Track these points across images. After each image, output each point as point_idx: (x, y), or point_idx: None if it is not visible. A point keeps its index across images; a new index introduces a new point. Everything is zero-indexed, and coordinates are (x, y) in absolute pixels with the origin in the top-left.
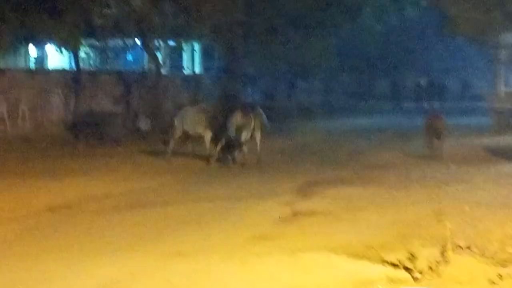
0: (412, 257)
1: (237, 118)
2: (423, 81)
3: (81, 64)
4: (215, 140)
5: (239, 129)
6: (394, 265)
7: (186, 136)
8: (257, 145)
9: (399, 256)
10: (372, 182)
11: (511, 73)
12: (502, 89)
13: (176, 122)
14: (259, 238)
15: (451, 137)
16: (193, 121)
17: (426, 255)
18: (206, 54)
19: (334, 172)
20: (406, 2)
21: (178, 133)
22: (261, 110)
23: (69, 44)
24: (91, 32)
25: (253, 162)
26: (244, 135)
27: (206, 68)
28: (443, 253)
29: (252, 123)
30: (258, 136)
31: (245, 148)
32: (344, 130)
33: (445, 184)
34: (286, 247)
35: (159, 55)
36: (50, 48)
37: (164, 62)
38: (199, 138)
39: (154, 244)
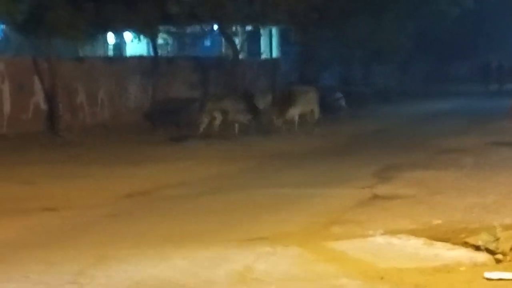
0: (494, 239)
1: None
2: (503, 63)
3: (158, 51)
4: None
5: None
6: (475, 247)
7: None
8: None
9: (480, 238)
10: (450, 165)
11: None
12: None
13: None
14: (338, 222)
15: None
16: None
17: (508, 237)
18: (284, 39)
19: (412, 156)
20: None
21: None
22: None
23: (146, 31)
24: (168, 19)
25: (330, 147)
26: None
27: (283, 52)
28: None
29: None
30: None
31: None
32: (421, 114)
33: None
34: (364, 231)
35: (236, 40)
36: (127, 36)
37: (241, 47)
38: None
39: (232, 229)
